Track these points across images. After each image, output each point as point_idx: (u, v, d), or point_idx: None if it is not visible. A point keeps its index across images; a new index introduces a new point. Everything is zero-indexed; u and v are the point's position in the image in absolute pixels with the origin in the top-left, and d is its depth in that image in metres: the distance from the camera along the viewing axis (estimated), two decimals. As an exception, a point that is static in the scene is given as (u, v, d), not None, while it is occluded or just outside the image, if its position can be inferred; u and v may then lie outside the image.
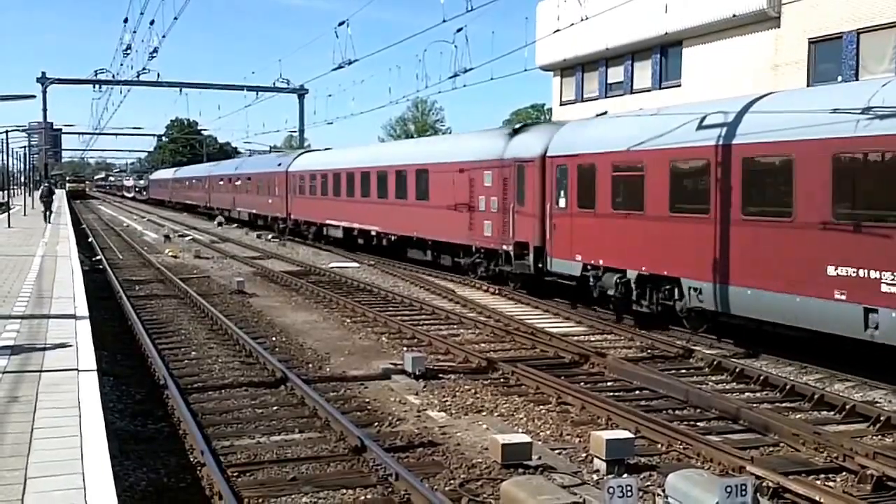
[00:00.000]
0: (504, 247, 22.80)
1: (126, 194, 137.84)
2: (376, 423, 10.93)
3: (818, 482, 8.75)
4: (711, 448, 9.55)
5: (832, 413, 11.62)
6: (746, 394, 12.74)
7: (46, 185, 52.92)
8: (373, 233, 32.90)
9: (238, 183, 55.25)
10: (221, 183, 61.02)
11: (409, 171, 29.56)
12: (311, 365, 14.60)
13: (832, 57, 25.00)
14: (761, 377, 13.28)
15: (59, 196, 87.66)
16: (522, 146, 22.40)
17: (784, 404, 12.13)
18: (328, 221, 37.96)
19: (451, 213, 25.45)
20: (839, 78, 23.83)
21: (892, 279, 11.94)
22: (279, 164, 46.54)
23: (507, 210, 22.53)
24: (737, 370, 13.75)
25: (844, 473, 9.12)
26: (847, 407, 11.51)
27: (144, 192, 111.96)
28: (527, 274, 22.05)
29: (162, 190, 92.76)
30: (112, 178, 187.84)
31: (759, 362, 14.64)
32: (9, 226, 39.70)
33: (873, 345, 12.52)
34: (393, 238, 31.15)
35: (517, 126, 25.54)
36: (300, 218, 42.51)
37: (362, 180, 34.02)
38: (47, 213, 44.58)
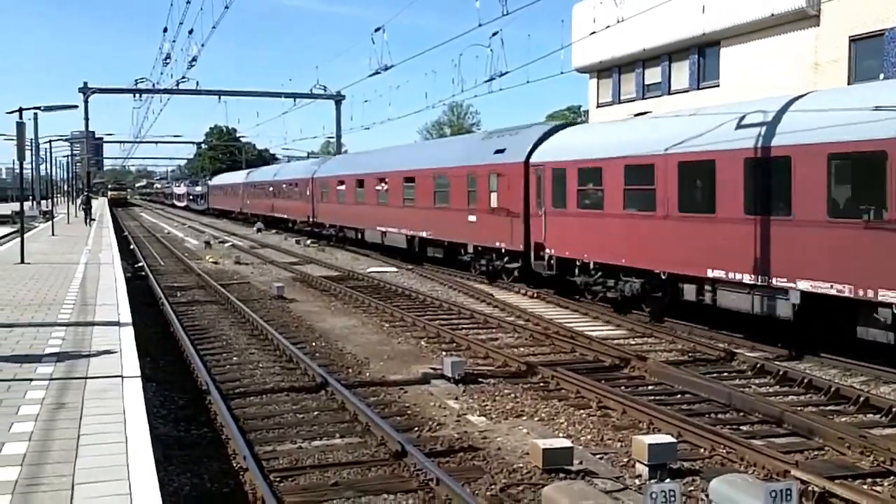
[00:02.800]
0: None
1: (176, 203, 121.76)
2: (416, 428, 10.95)
3: (864, 487, 8.62)
4: (755, 452, 9.45)
5: (878, 416, 11.44)
6: (790, 397, 12.58)
7: (85, 195, 65.57)
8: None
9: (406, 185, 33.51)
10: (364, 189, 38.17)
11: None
12: (350, 370, 14.66)
13: (874, 54, 24.63)
14: (805, 380, 13.10)
15: (101, 203, 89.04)
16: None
17: (829, 407, 11.96)
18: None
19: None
20: (881, 76, 23.46)
21: None
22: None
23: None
24: (780, 373, 13.59)
25: (892, 478, 8.97)
26: (893, 410, 11.32)
27: (201, 201, 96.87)
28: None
29: (229, 198, 78.21)
30: (158, 185, 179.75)
31: (802, 364, 14.45)
32: (52, 233, 40.38)
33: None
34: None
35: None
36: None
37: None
38: (87, 217, 56.51)
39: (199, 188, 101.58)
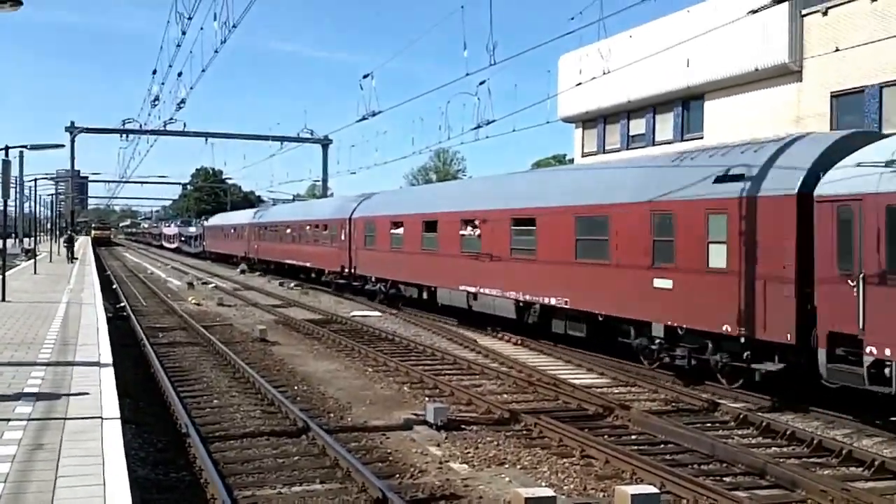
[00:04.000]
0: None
1: (166, 245, 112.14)
2: (398, 475, 10.85)
3: (848, 541, 8.58)
4: (738, 504, 9.40)
5: (861, 469, 11.44)
6: (773, 448, 12.57)
7: (68, 234, 66.80)
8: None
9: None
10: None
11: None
12: (332, 414, 14.55)
13: (855, 110, 25.02)
14: (788, 431, 13.11)
15: (84, 242, 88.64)
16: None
17: (811, 459, 11.95)
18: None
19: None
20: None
21: None
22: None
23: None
24: (763, 424, 13.58)
25: (875, 532, 8.94)
26: (876, 463, 11.33)
27: (195, 244, 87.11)
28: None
29: (230, 241, 68.00)
30: (145, 225, 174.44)
31: (785, 416, 14.45)
32: (35, 272, 40.10)
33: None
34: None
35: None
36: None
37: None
38: (70, 254, 57.19)
39: (192, 229, 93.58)
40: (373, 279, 34.92)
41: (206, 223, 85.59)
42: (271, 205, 71.81)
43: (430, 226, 29.16)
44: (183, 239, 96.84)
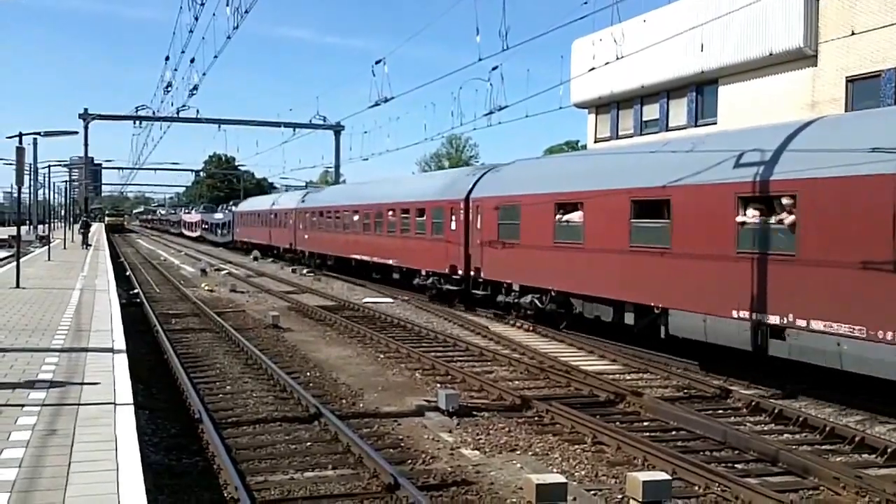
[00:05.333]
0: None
1: (186, 233, 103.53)
2: (410, 461, 10.88)
3: (860, 528, 8.55)
4: (750, 491, 9.39)
5: (874, 456, 11.39)
6: (785, 435, 12.53)
7: (84, 219, 65.81)
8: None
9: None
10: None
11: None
12: (344, 400, 14.59)
13: (870, 95, 24.83)
14: (800, 419, 13.06)
15: (97, 229, 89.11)
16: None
17: (824, 446, 11.90)
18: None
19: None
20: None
21: None
22: None
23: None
24: (775, 411, 13.54)
25: (888, 519, 8.91)
26: (889, 450, 11.28)
27: (223, 232, 77.20)
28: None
29: (271, 231, 57.37)
30: (162, 211, 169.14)
31: (797, 403, 14.40)
32: (49, 259, 40.33)
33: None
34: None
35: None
36: None
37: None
38: (84, 241, 57.96)
39: (219, 215, 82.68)
40: (514, 287, 24.00)
41: (236, 209, 74.15)
42: (304, 189, 64.46)
43: (653, 208, 18.16)
44: (206, 227, 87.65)
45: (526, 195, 23.46)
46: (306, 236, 47.70)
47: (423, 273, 30.25)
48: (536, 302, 22.95)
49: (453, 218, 27.66)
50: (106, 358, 12.96)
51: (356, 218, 38.36)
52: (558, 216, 21.57)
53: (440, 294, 29.10)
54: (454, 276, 27.58)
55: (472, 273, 26.47)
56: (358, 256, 37.88)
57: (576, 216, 20.93)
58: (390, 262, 33.64)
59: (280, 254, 54.69)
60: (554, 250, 21.79)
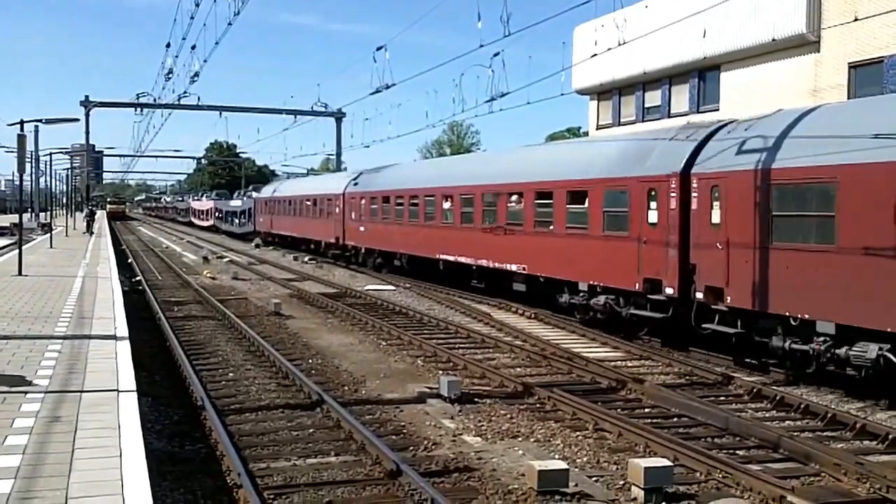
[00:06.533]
0: None
1: (196, 221, 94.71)
2: (412, 448, 10.91)
3: (861, 514, 8.56)
4: (751, 477, 9.41)
5: (875, 443, 11.42)
6: (787, 422, 12.54)
7: (89, 208, 67.99)
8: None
9: None
10: None
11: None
12: (346, 387, 14.62)
13: (873, 81, 24.76)
14: (802, 405, 13.08)
15: (99, 217, 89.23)
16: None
17: (825, 433, 11.93)
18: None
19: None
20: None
21: None
22: None
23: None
24: (777, 398, 13.56)
25: (888, 505, 8.93)
26: (890, 437, 11.30)
27: (241, 221, 69.29)
28: None
29: (308, 222, 47.87)
30: (167, 199, 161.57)
31: (799, 390, 14.42)
32: (51, 246, 40.36)
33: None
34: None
35: None
36: None
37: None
38: (89, 228, 59.30)
39: (236, 202, 73.82)
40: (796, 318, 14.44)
41: (257, 194, 65.27)
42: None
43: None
44: (220, 215, 79.33)
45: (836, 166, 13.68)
46: (361, 228, 38.13)
47: (584, 288, 20.58)
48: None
49: (653, 205, 18.17)
50: (108, 345, 12.98)
51: (448, 205, 28.86)
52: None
53: (614, 318, 19.71)
54: (651, 297, 18.19)
55: (697, 293, 16.75)
56: (450, 257, 28.49)
57: None
58: (512, 267, 24.19)
59: (320, 249, 45.10)
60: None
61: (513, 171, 25.13)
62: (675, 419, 12.65)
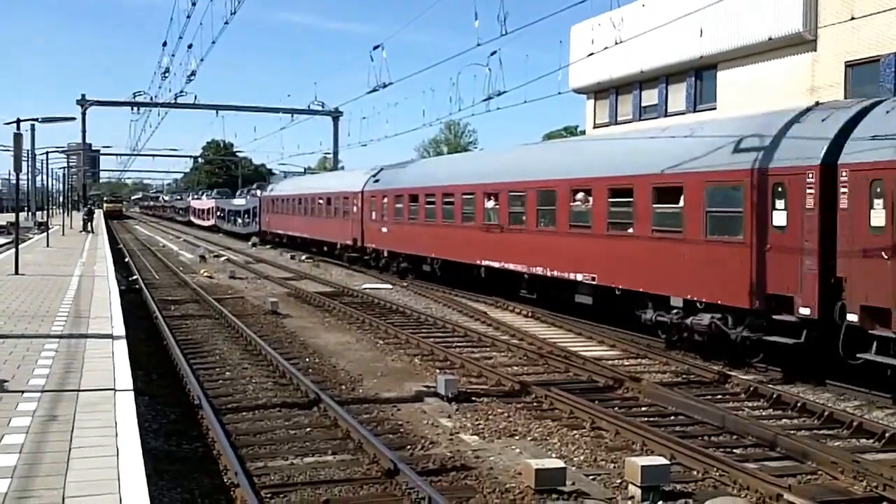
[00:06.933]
0: None
1: (196, 221, 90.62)
2: (409, 446, 10.91)
3: (858, 512, 8.58)
4: (748, 476, 9.42)
5: (871, 441, 11.44)
6: (783, 420, 12.56)
7: (88, 207, 68.20)
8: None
9: None
10: None
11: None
12: (344, 386, 14.62)
13: (870, 80, 24.77)
14: (798, 404, 13.10)
15: (98, 215, 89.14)
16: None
17: (822, 431, 11.95)
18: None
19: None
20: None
21: None
22: None
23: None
24: (774, 396, 13.58)
25: (885, 503, 8.95)
26: (887, 435, 11.32)
27: (244, 221, 65.66)
28: None
29: (322, 222, 44.19)
30: (165, 198, 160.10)
31: (795, 388, 14.44)
32: (47, 245, 40.30)
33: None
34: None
35: None
36: None
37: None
38: (88, 226, 59.59)
39: (240, 201, 69.59)
40: None
41: (264, 193, 61.54)
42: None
43: None
44: (222, 215, 75.54)
45: None
46: (384, 230, 34.63)
47: (679, 304, 17.20)
48: None
49: (779, 203, 14.85)
50: (105, 344, 12.97)
51: (491, 204, 25.43)
52: None
53: (719, 341, 16.44)
54: (776, 318, 14.92)
55: (848, 314, 13.54)
56: (495, 263, 25.04)
57: None
58: (577, 277, 20.71)
59: (335, 252, 41.70)
60: None
61: (576, 165, 21.81)
62: (672, 417, 12.66)
